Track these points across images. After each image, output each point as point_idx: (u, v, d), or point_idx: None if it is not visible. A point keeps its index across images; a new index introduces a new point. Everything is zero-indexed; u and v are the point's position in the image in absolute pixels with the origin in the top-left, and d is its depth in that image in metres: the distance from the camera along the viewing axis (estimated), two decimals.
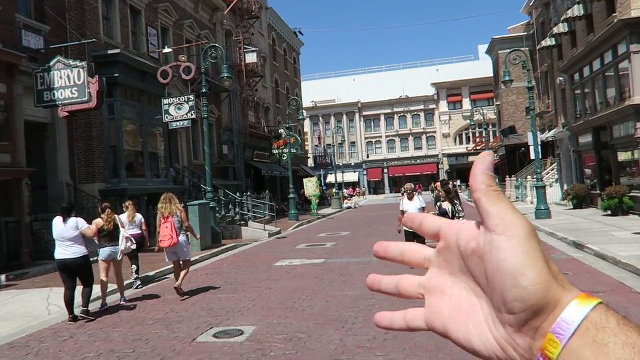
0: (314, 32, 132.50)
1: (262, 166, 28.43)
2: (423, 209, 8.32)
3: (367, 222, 21.96)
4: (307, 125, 64.20)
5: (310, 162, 54.56)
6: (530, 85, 17.21)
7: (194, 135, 22.67)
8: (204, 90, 15.49)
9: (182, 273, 8.39)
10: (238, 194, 20.49)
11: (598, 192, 18.89)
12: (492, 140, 58.83)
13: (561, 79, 22.64)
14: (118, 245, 8.22)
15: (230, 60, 26.43)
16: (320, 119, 65.00)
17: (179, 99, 16.41)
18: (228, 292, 8.51)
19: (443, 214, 8.70)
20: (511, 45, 39.44)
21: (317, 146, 62.77)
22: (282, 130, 27.13)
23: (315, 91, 65.39)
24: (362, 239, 15.41)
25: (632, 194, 15.82)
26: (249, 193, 21.60)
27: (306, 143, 56.91)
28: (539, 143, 19.93)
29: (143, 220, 9.88)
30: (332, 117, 64.40)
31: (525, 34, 38.23)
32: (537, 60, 34.41)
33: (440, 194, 8.27)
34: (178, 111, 16.73)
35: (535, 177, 17.58)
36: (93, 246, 7.96)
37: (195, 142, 22.70)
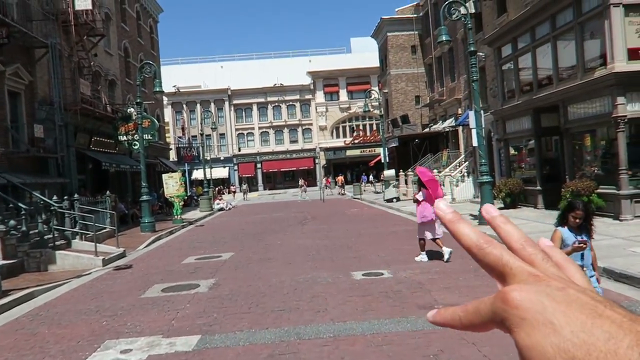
0: (172, 7, 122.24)
1: (102, 157, 20.92)
2: None
3: (252, 232, 16.17)
4: (169, 114, 55.87)
5: (173, 156, 46.78)
6: (481, 53, 12.89)
7: None
8: None
9: None
10: (55, 197, 13.29)
11: (538, 188, 15.50)
12: (369, 133, 56.63)
13: (481, 54, 19.19)
14: None
15: (51, 6, 18.62)
16: (184, 106, 57.07)
17: None
18: None
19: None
20: (400, 27, 36.56)
21: (180, 137, 54.78)
22: (132, 109, 20.02)
23: (177, 77, 57.28)
24: (257, 268, 9.67)
25: (600, 190, 12.36)
26: (76, 195, 14.43)
27: (167, 135, 48.96)
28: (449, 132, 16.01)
29: None
30: (198, 105, 56.90)
31: (415, 15, 35.40)
32: (430, 45, 31.59)
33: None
34: None
35: (480, 169, 13.44)
36: None
37: None
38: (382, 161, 27.71)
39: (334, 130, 58.37)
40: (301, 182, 38.75)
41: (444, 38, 13.28)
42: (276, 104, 58.48)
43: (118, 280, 9.58)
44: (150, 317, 6.63)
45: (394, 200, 23.81)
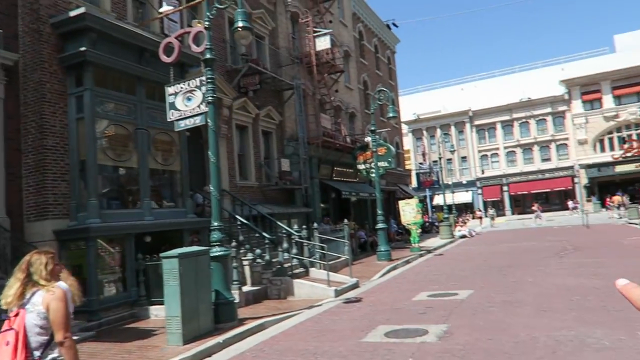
0: (409, 33, 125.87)
1: (343, 186, 21.69)
2: None
3: (497, 265, 14.08)
4: (409, 142, 56.70)
5: (414, 183, 46.81)
6: None
7: (242, 143, 16.65)
8: (208, 57, 9.07)
9: None
10: (296, 226, 13.91)
11: None
12: None
13: None
14: None
15: (297, 51, 20.38)
16: (424, 132, 57.10)
17: (189, 84, 10.27)
18: None
19: None
20: None
21: (421, 164, 54.71)
22: (369, 138, 20.24)
23: (418, 105, 57.75)
24: (501, 314, 7.86)
25: None
26: (315, 225, 14.90)
27: (407, 161, 49.48)
28: None
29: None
30: (438, 130, 56.13)
31: None
32: None
33: None
34: (187, 103, 10.65)
35: None
36: None
37: (243, 156, 16.63)
38: None
39: (597, 144, 49.92)
40: (535, 207, 37.27)
41: None
42: (523, 120, 53.46)
43: (344, 316, 9.02)
44: None
45: None
